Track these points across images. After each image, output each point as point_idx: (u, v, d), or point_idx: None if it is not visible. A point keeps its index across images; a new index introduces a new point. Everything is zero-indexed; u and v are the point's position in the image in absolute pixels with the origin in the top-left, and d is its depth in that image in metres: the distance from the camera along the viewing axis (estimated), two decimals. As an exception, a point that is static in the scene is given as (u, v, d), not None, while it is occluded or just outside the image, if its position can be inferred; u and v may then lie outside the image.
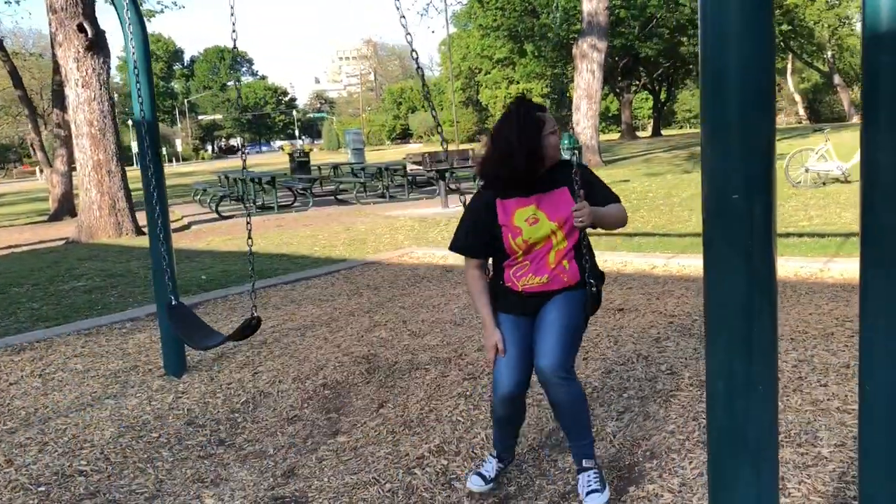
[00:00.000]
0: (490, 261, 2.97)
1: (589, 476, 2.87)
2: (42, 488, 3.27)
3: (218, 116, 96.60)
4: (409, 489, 3.03)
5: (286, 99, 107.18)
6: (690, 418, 3.46)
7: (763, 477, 1.51)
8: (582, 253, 2.86)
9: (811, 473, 2.85)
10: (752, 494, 1.50)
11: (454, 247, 2.97)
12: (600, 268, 2.95)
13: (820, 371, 3.91)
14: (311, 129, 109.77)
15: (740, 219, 1.46)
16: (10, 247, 13.48)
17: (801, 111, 51.33)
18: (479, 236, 2.90)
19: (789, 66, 49.44)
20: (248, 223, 3.74)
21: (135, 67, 3.93)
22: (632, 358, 4.35)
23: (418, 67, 3.03)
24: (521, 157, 2.76)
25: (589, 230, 2.85)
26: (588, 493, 2.82)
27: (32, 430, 3.94)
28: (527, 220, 2.82)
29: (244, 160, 3.74)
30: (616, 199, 2.91)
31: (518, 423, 3.07)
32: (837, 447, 3.04)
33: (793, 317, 4.90)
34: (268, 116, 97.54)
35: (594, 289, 2.86)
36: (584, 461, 2.90)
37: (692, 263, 6.92)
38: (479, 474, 3.03)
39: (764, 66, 1.45)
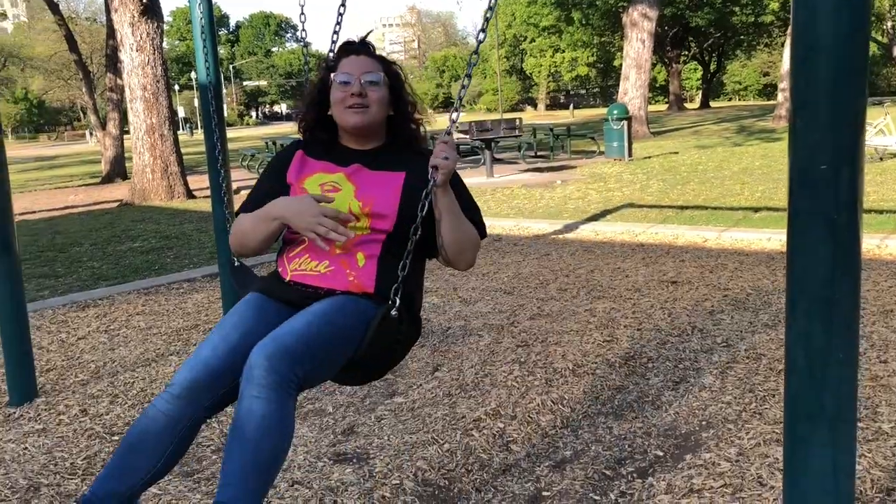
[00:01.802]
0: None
1: None
2: (116, 437, 3.42)
3: (263, 83, 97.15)
4: (468, 450, 3.10)
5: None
6: (747, 390, 3.47)
7: (840, 446, 1.53)
8: (398, 258, 2.08)
9: (872, 448, 2.85)
10: (829, 460, 1.53)
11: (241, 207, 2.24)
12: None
13: (879, 347, 3.87)
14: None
15: (827, 189, 1.47)
16: (66, 207, 13.85)
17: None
18: (261, 191, 2.23)
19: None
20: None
21: (201, 30, 4.01)
22: (687, 330, 4.36)
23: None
24: (308, 104, 2.28)
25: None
26: None
27: (103, 383, 4.10)
28: (321, 186, 2.16)
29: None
30: (479, 224, 2.28)
31: (156, 454, 1.88)
32: (898, 423, 3.03)
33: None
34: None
35: (393, 311, 2.02)
36: None
37: (745, 237, 6.85)
38: None
39: (858, 37, 1.45)
